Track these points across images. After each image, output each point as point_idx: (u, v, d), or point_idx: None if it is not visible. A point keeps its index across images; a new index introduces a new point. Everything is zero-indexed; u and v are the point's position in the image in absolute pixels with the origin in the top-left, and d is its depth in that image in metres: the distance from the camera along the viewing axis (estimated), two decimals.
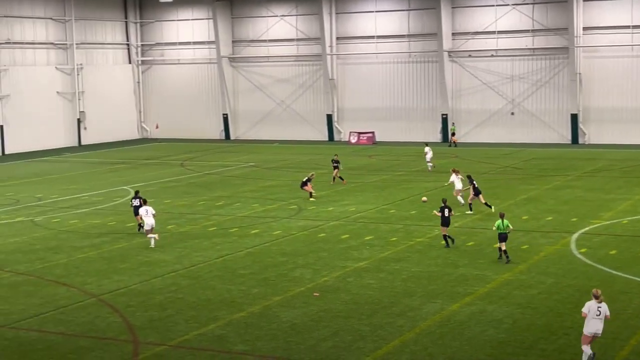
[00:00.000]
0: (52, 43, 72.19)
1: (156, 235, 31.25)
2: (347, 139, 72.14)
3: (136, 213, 33.16)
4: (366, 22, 71.99)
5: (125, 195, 43.66)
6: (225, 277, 26.23)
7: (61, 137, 72.63)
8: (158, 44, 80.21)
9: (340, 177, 46.09)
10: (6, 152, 67.39)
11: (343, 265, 27.41)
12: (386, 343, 19.71)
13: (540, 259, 27.84)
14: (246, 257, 29.09)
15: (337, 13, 72.65)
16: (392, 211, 37.45)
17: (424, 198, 36.53)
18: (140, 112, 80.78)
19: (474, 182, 36.74)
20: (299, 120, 74.80)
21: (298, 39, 74.57)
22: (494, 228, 27.96)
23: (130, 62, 80.00)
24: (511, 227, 27.90)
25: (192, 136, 77.27)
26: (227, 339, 20.23)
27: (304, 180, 41.64)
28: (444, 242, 29.95)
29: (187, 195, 43.47)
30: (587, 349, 17.73)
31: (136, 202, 33.40)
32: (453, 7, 68.68)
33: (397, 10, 70.85)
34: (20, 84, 69.11)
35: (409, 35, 70.60)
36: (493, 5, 67.63)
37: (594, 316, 17.61)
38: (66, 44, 73.14)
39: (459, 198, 38.29)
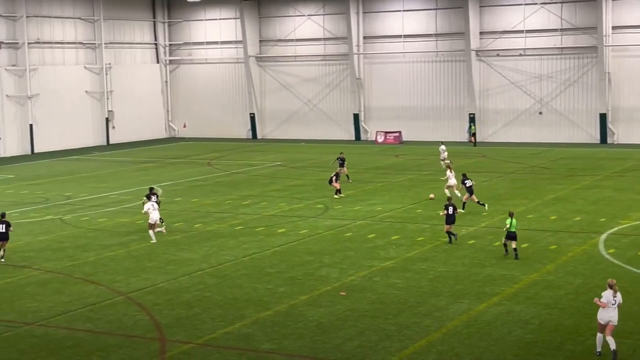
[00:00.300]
0: (81, 43, 72.73)
1: (163, 229, 32.16)
2: (373, 139, 72.06)
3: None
4: (393, 22, 71.86)
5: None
6: (252, 276, 26.31)
7: (90, 136, 73.17)
8: (186, 43, 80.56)
9: (347, 176, 46.20)
10: (36, 150, 67.97)
11: (369, 265, 27.40)
12: (413, 343, 19.69)
13: (568, 259, 27.68)
14: (273, 256, 29.17)
15: (364, 12, 72.57)
16: (418, 211, 37.37)
17: (431, 195, 36.66)
18: (167, 111, 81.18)
19: (466, 181, 36.82)
20: (325, 119, 74.82)
21: (325, 39, 74.59)
22: (505, 228, 28.08)
23: (158, 62, 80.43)
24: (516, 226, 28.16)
25: (219, 135, 77.54)
26: (254, 338, 20.29)
27: (332, 176, 41.79)
28: (447, 238, 30.53)
29: (214, 194, 43.63)
30: (609, 339, 18.22)
31: (153, 199, 33.49)
32: (481, 6, 68.39)
33: (425, 10, 70.66)
34: (50, 83, 69.70)
35: (436, 35, 70.39)
36: (521, 4, 67.25)
37: (610, 305, 18.44)
38: (95, 43, 73.66)
39: (447, 192, 38.48)
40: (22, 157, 65.11)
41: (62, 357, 19.25)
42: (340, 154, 47.94)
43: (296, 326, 21.09)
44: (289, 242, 31.30)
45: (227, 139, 75.78)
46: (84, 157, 64.35)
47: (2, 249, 29.23)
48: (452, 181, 38.93)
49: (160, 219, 32.76)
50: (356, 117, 73.27)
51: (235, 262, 28.27)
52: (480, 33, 68.61)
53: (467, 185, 36.80)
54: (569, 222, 34.07)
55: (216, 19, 78.83)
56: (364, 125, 73.40)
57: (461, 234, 31.95)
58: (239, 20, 76.42)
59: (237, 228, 34.29)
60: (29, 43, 67.51)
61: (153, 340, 20.41)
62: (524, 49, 67.42)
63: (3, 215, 30.03)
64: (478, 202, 36.58)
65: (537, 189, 43.11)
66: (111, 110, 74.70)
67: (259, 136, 77.08)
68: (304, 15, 75.03)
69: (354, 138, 73.44)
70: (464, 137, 69.39)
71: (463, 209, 36.16)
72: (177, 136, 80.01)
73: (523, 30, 67.30)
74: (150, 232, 32.04)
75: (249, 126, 77.69)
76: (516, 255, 27.83)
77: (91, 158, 63.63)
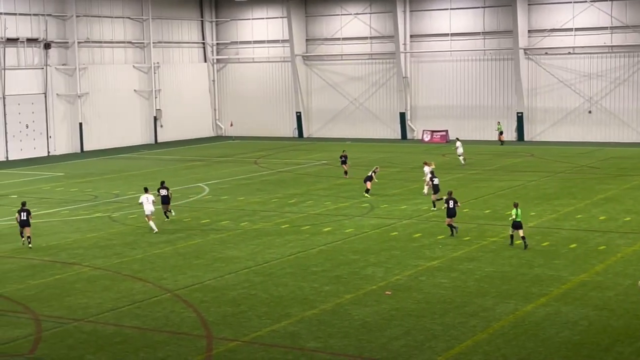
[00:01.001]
0: (129, 42, 73.49)
1: (153, 225, 33.80)
2: (420, 137, 71.77)
3: (164, 202, 36.24)
4: (440, 20, 71.49)
5: (200, 192, 44.24)
6: (298, 274, 26.37)
7: (138, 135, 73.91)
8: (233, 42, 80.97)
9: (345, 172, 47.55)
10: (85, 149, 68.84)
11: (415, 264, 27.31)
12: (459, 343, 19.58)
13: (617, 260, 27.32)
14: (318, 254, 29.20)
15: (411, 11, 72.29)
16: (465, 210, 37.08)
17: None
18: (214, 110, 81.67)
19: (434, 179, 38.17)
20: (371, 118, 74.70)
21: (372, 37, 74.47)
22: (511, 218, 29.46)
23: (205, 61, 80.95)
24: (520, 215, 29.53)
25: (266, 134, 77.81)
26: (300, 336, 20.34)
27: (369, 174, 41.74)
28: (449, 232, 31.60)
29: (260, 192, 43.81)
30: None
31: (163, 192, 36.37)
32: (529, 4, 67.73)
33: (472, 8, 70.18)
34: (99, 82, 70.54)
35: (483, 33, 69.88)
36: (570, 2, 66.48)
37: None
38: (143, 42, 74.37)
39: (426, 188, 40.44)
40: (71, 155, 65.97)
41: (110, 353, 19.47)
42: (343, 151, 49.51)
43: (342, 325, 21.10)
44: (334, 241, 31.31)
45: (273, 138, 76.03)
46: (132, 155, 65.01)
47: (26, 235, 31.50)
48: (436, 180, 39.63)
49: (165, 212, 35.99)
50: (402, 115, 73.02)
51: (280, 261, 28.36)
52: (529, 31, 67.94)
53: (434, 182, 38.17)
54: (618, 223, 33.63)
55: (263, 18, 79.11)
56: (410, 124, 73.14)
57: (508, 233, 31.67)
58: (285, 19, 76.61)
59: (283, 226, 34.39)
60: (78, 42, 68.37)
61: (200, 337, 20.55)
62: (573, 47, 66.61)
63: (24, 204, 32.36)
64: (436, 200, 37.50)
65: (586, 188, 42.60)
66: (159, 109, 75.38)
67: (305, 135, 77.20)
68: (350, 14, 74.97)
69: (400, 137, 73.20)
70: (512, 136, 68.82)
71: (434, 206, 37.38)
72: (223, 135, 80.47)
73: (572, 29, 66.51)
74: (150, 223, 33.81)
75: (295, 125, 77.85)
76: (525, 244, 28.85)
77: (139, 156, 64.26)
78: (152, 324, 21.62)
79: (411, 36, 72.54)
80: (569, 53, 66.91)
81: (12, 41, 63.85)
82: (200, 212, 38.32)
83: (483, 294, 23.59)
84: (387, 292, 23.93)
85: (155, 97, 75.06)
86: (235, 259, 28.79)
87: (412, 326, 20.88)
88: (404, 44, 72.22)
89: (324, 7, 76.32)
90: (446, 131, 70.41)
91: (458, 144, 54.22)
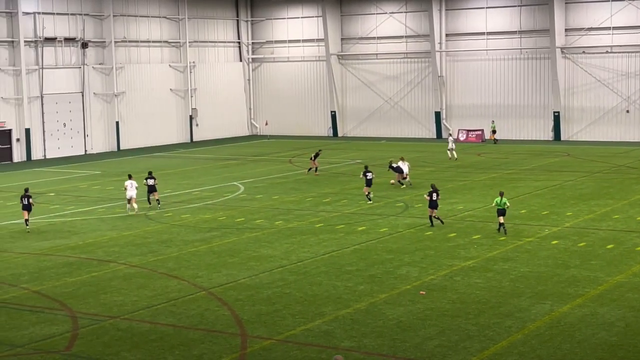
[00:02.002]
0: (166, 41, 73.96)
1: (135, 205, 37.64)
2: (455, 137, 71.45)
3: (150, 191, 39.53)
4: (476, 19, 71.12)
5: (235, 191, 44.41)
6: (332, 273, 26.37)
7: (174, 134, 74.39)
8: (268, 41, 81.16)
9: (313, 169, 49.91)
10: (121, 147, 69.42)
11: (450, 264, 27.20)
12: (494, 343, 19.47)
13: None
14: (352, 253, 29.18)
15: (446, 9, 72.00)
16: None
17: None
18: (250, 109, 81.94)
19: (367, 174, 39.94)
20: (406, 117, 74.51)
21: (407, 36, 74.26)
22: (493, 204, 32.31)
23: (241, 60, 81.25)
24: (508, 204, 32.19)
25: (300, 133, 77.92)
26: (334, 335, 20.34)
27: (394, 165, 44.07)
28: (429, 222, 33.35)
29: (295, 191, 43.87)
30: None
31: (151, 182, 39.50)
32: (566, 3, 67.14)
33: (509, 6, 69.72)
34: (135, 81, 71.10)
35: (520, 32, 69.39)
36: (608, 1, 65.80)
37: None
38: (179, 42, 74.81)
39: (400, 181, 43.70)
40: (108, 154, 66.55)
41: (145, 351, 19.60)
42: (319, 150, 51.77)
43: (376, 324, 21.07)
44: (368, 240, 31.27)
45: (308, 137, 76.10)
46: (168, 154, 65.41)
47: (156, 199, 38.68)
48: (406, 170, 44.01)
49: (157, 200, 39.44)
50: (437, 115, 72.76)
51: (315, 260, 28.38)
52: (566, 30, 67.35)
53: (368, 177, 39.88)
54: None
55: (298, 17, 79.22)
56: (445, 123, 72.85)
57: (544, 234, 31.50)
58: (321, 19, 76.66)
59: (317, 225, 34.41)
60: (115, 42, 68.95)
61: (234, 335, 20.63)
62: (611, 47, 65.93)
63: (27, 190, 35.80)
64: (367, 194, 39.83)
65: (623, 189, 42.14)
66: (195, 108, 75.79)
67: (339, 134, 77.18)
68: (385, 13, 74.83)
69: (435, 136, 72.94)
70: (548, 135, 68.32)
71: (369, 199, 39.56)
72: (258, 134, 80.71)
73: (610, 27, 65.83)
74: (127, 205, 38.01)
75: (329, 124, 77.87)
76: (505, 230, 31.51)
77: (175, 155, 64.64)
78: (187, 321, 21.74)
79: (447, 35, 72.24)
80: (607, 52, 66.23)
81: (50, 41, 64.55)
82: (235, 210, 38.47)
83: (518, 295, 23.43)
84: (421, 292, 23.85)
85: (191, 96, 75.48)
86: (270, 257, 28.86)
87: (447, 326, 20.80)
88: (440, 43, 71.93)
89: (359, 6, 76.24)
90: (482, 130, 70.02)
91: (450, 138, 57.21)
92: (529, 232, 31.97)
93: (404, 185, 44.04)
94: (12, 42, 62.48)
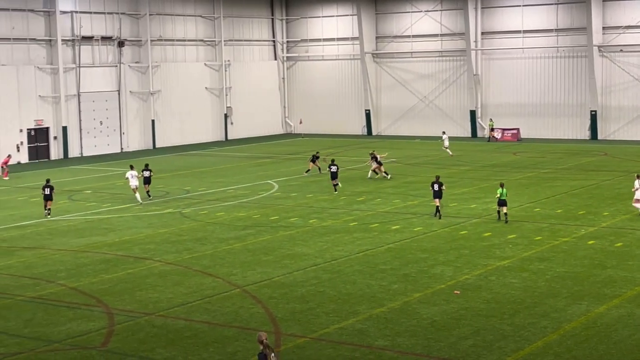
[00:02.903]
0: (201, 40, 74.33)
1: (138, 195, 40.10)
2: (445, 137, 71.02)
3: (146, 182, 41.42)
4: (512, 17, 70.65)
5: (270, 189, 44.53)
6: (366, 272, 26.35)
7: (209, 132, 74.76)
8: (303, 40, 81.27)
9: (311, 170, 49.90)
10: (157, 145, 69.89)
11: (485, 264, 27.06)
12: (529, 344, 19.34)
13: None
14: (386, 252, 29.14)
15: (482, 7, 71.62)
16: (536, 209, 36.66)
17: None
18: (284, 107, 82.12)
19: (332, 167, 42.46)
20: (441, 116, 74.22)
21: (442, 35, 73.99)
22: (497, 196, 33.93)
23: (275, 59, 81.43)
24: (506, 194, 34.10)
25: (335, 131, 77.93)
26: (368, 334, 20.32)
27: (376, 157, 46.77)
28: (434, 212, 35.11)
29: (329, 189, 43.84)
30: None
31: (147, 174, 41.55)
32: (604, 1, 66.48)
33: (545, 4, 69.19)
34: (171, 80, 71.55)
35: (557, 30, 68.84)
36: None
37: None
38: (215, 40, 75.16)
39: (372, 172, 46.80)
40: (144, 152, 67.04)
41: (180, 348, 19.72)
42: (317, 152, 51.97)
43: (410, 323, 21.02)
44: (402, 239, 31.21)
45: (343, 135, 76.10)
46: (203, 152, 65.72)
47: (48, 208, 37.52)
48: (374, 165, 46.89)
49: (147, 191, 41.32)
50: (473, 113, 72.41)
51: (349, 258, 28.37)
52: (603, 28, 66.70)
53: (332, 170, 42.47)
54: None
55: (333, 16, 79.25)
56: (480, 122, 72.47)
57: (580, 233, 31.24)
58: (355, 17, 76.62)
59: (352, 224, 34.40)
60: (151, 40, 69.44)
61: (268, 333, 20.66)
62: None
63: (48, 180, 38.44)
64: (335, 184, 42.61)
65: None
66: (230, 107, 76.12)
67: (374, 132, 77.10)
68: (420, 11, 74.61)
69: (470, 135, 72.60)
70: (585, 134, 67.73)
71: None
72: (293, 132, 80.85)
73: None
74: (136, 195, 40.13)
75: (364, 122, 77.81)
76: (506, 219, 33.45)
77: (210, 153, 64.94)
78: (222, 319, 21.84)
79: (482, 33, 71.86)
80: None
81: (87, 39, 65.16)
82: (270, 208, 38.58)
83: (554, 295, 23.25)
84: (456, 292, 23.76)
85: (226, 95, 75.80)
86: (304, 255, 28.90)
87: (481, 326, 20.70)
88: (475, 41, 71.57)
89: (394, 4, 76.09)
90: (518, 129, 69.56)
91: (444, 137, 58.72)
92: (565, 232, 31.72)
93: (378, 176, 47.05)
94: (50, 40, 63.16)
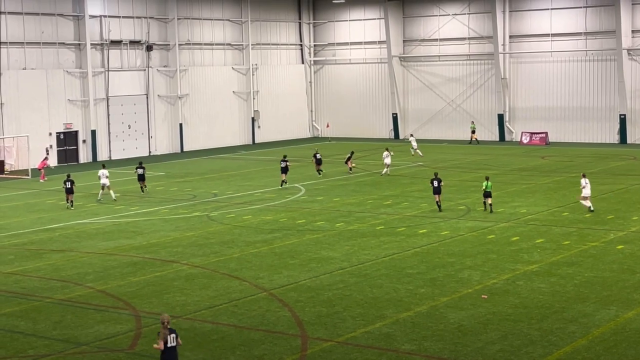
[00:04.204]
0: (229, 44, 74.59)
1: (112, 192, 43.08)
2: (518, 139, 70.71)
3: (139, 179, 45.00)
4: (541, 20, 70.27)
5: (296, 193, 44.57)
6: (393, 276, 26.30)
7: (236, 135, 74.98)
8: (330, 44, 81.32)
9: (319, 171, 51.53)
10: (185, 149, 70.20)
11: (513, 268, 26.91)
12: (557, 349, 19.20)
13: None
14: (413, 256, 29.06)
15: (510, 11, 71.30)
16: (565, 214, 36.43)
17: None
18: (311, 111, 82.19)
19: (282, 162, 46.67)
20: (468, 119, 73.89)
21: (470, 38, 73.74)
22: (482, 188, 36.91)
23: (303, 62, 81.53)
24: (491, 186, 37.05)
25: (362, 135, 77.88)
26: (394, 338, 20.27)
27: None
28: (437, 208, 37.47)
29: (355, 193, 43.84)
30: None
31: (140, 171, 44.93)
32: (633, 4, 65.96)
33: (574, 8, 68.76)
34: (199, 83, 71.87)
35: (585, 33, 68.38)
36: None
37: None
38: (242, 44, 75.40)
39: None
40: (172, 155, 67.36)
41: (207, 350, 19.78)
42: (317, 150, 54.81)
43: (437, 328, 20.95)
44: (429, 243, 31.12)
45: (370, 139, 76.03)
46: (231, 155, 65.91)
47: (70, 200, 41.21)
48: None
49: (142, 187, 44.95)
50: (501, 117, 72.08)
51: (375, 262, 28.33)
52: (632, 31, 66.16)
53: (282, 165, 46.11)
54: None
55: (360, 20, 79.23)
56: (508, 125, 72.13)
57: (609, 238, 30.99)
58: (383, 21, 76.56)
59: (378, 228, 34.35)
60: (179, 44, 69.79)
61: (295, 336, 20.70)
62: None
63: (69, 175, 42.11)
64: (282, 182, 46.35)
65: None
66: (257, 110, 76.30)
67: (401, 136, 76.96)
68: (448, 15, 74.41)
69: (498, 139, 72.28)
70: (614, 138, 67.20)
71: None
72: (320, 136, 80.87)
73: None
74: (100, 191, 42.85)
75: (391, 126, 77.70)
76: (491, 209, 36.53)
77: (237, 156, 65.13)
78: (248, 322, 21.88)
79: (510, 36, 71.54)
80: None
81: (116, 43, 65.62)
82: (296, 212, 38.61)
83: (583, 300, 23.08)
84: (483, 296, 23.65)
85: (253, 98, 76.00)
86: (331, 259, 28.90)
87: (509, 331, 20.58)
88: (503, 45, 71.27)
89: (421, 7, 75.95)
90: (546, 133, 69.17)
91: (411, 138, 61.83)
92: (594, 237, 31.48)
93: (351, 173, 51.59)
94: (79, 45, 63.67)
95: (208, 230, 34.94)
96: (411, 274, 26.53)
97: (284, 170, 46.66)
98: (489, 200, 36.77)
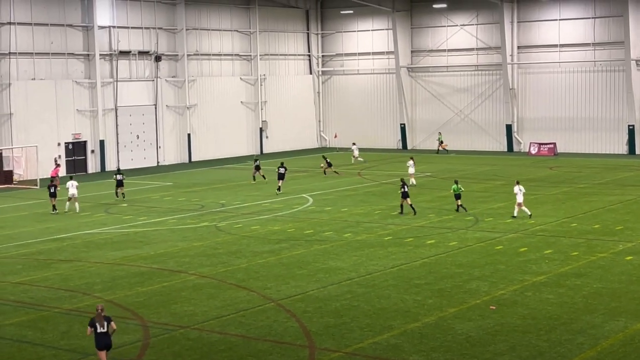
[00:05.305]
0: (237, 54, 74.76)
1: (77, 205, 42.98)
2: (526, 150, 70.61)
3: (118, 185, 47.20)
4: (549, 31, 70.26)
5: (304, 203, 44.57)
6: (400, 287, 26.25)
7: (244, 145, 75.06)
8: (338, 54, 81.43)
9: (263, 176, 53.60)
10: (193, 159, 70.30)
11: (521, 279, 26.84)
12: None
13: None
14: (421, 267, 29.01)
15: (518, 22, 71.31)
16: (573, 224, 36.34)
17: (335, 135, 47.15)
18: (319, 121, 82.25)
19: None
20: (476, 130, 73.92)
21: (478, 49, 73.76)
22: (451, 191, 40.39)
23: (311, 73, 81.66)
24: (462, 189, 40.37)
25: (369, 145, 77.83)
26: (402, 349, 20.23)
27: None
28: (399, 210, 39.97)
29: (363, 204, 43.83)
30: None
31: (119, 177, 47.08)
32: None
33: (582, 18, 68.74)
34: (207, 94, 72.03)
35: (594, 44, 68.33)
36: None
37: None
38: (250, 55, 75.55)
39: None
40: (180, 165, 67.47)
41: None
42: (256, 159, 55.82)
43: (445, 339, 20.89)
44: (437, 254, 31.07)
45: (377, 149, 76.03)
46: (239, 165, 65.97)
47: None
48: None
49: (123, 193, 47.10)
50: (509, 128, 72.03)
51: (383, 272, 28.29)
52: None
53: (280, 172, 48.86)
54: None
55: (368, 30, 79.32)
56: (516, 136, 72.06)
57: (618, 249, 30.91)
58: (391, 31, 76.64)
59: (386, 238, 34.32)
60: (188, 55, 69.97)
61: (302, 347, 20.67)
62: None
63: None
64: (278, 188, 48.30)
65: None
66: (265, 120, 76.40)
67: (409, 146, 76.95)
68: (456, 25, 74.47)
69: (506, 149, 72.21)
70: (622, 149, 67.06)
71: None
72: (328, 146, 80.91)
73: None
74: (75, 204, 42.94)
75: (399, 136, 77.71)
76: (465, 209, 39.53)
77: (245, 167, 65.14)
78: (256, 332, 21.86)
79: (519, 47, 71.52)
80: None
81: (125, 54, 65.82)
82: (304, 222, 38.61)
83: (591, 311, 23.00)
84: (491, 307, 23.58)
85: (261, 109, 76.12)
86: (338, 269, 28.87)
87: (517, 342, 20.51)
88: (511, 55, 71.25)
89: (429, 18, 76.03)
90: (554, 144, 69.08)
91: (354, 147, 65.30)
92: (602, 248, 31.39)
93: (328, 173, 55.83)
94: (88, 55, 63.89)
95: (216, 240, 34.96)
96: (419, 284, 26.48)
97: (281, 176, 48.90)
98: (459, 202, 39.72)
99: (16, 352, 20.74)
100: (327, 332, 21.69)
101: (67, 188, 43.33)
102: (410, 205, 39.62)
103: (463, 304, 24.07)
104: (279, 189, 48.40)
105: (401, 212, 39.87)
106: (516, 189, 38.20)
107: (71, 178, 45.08)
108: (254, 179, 53.99)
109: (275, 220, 39.62)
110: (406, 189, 39.69)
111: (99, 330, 18.37)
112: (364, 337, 21.25)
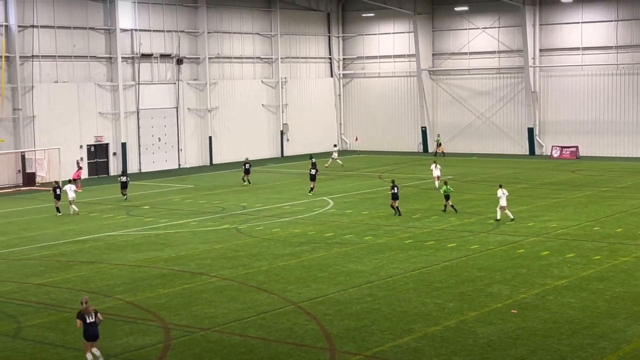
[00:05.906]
0: (258, 57, 74.91)
1: (76, 208, 43.61)
2: (548, 153, 70.28)
3: (123, 187, 48.42)
4: (571, 34, 69.90)
5: (325, 206, 44.57)
6: (421, 290, 26.19)
7: (265, 148, 75.18)
8: (359, 57, 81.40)
9: (248, 180, 54.92)
10: (214, 162, 70.49)
11: (542, 283, 26.70)
12: None
13: None
14: (442, 270, 28.93)
15: (540, 24, 70.99)
16: (595, 228, 36.12)
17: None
18: (340, 124, 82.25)
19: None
20: (498, 133, 73.65)
21: (500, 51, 73.51)
22: (441, 191, 41.25)
23: (332, 76, 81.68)
24: (452, 189, 41.18)
25: (390, 149, 77.80)
26: (423, 352, 20.17)
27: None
28: (393, 211, 40.63)
29: (384, 207, 43.74)
30: None
31: (123, 179, 48.49)
32: None
33: (605, 21, 68.33)
34: (228, 96, 72.20)
35: (616, 47, 67.91)
36: None
37: None
38: (271, 58, 75.68)
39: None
40: (201, 168, 67.68)
41: None
42: (247, 163, 56.00)
43: (466, 342, 20.82)
44: (458, 257, 30.97)
45: (398, 152, 75.91)
46: (259, 168, 66.03)
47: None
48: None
49: (125, 195, 48.20)
50: (531, 131, 71.70)
51: (404, 276, 28.24)
52: None
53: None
54: None
55: (390, 33, 79.26)
56: (538, 139, 71.73)
57: (639, 254, 30.72)
58: (412, 34, 76.52)
59: (407, 241, 34.25)
60: (209, 58, 70.19)
61: (323, 350, 20.66)
62: None
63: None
64: (311, 189, 48.94)
65: None
66: (286, 123, 76.49)
67: (430, 150, 76.77)
68: (478, 28, 74.24)
69: (527, 153, 71.88)
70: None
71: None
72: (349, 149, 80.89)
73: None
74: (72, 206, 43.54)
75: (420, 139, 77.56)
76: (455, 209, 40.44)
77: (266, 169, 65.28)
78: (277, 335, 21.88)
79: (540, 50, 71.21)
80: None
81: (146, 57, 66.11)
82: (325, 225, 38.60)
83: (613, 315, 22.84)
84: (513, 311, 23.48)
85: (282, 112, 76.22)
86: (359, 272, 28.84)
87: (539, 346, 20.41)
88: (533, 58, 70.95)
89: (451, 21, 75.84)
90: (576, 147, 68.70)
91: (334, 149, 66.73)
92: (625, 252, 31.17)
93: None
94: (110, 58, 64.24)
95: (236, 242, 35.02)
96: (440, 287, 26.41)
97: (312, 178, 49.73)
98: (450, 202, 40.71)
99: (38, 353, 20.86)
100: (347, 335, 21.67)
101: (66, 192, 44.29)
102: (397, 207, 40.74)
103: (484, 307, 23.98)
104: (311, 189, 49.23)
105: (397, 214, 40.62)
106: (499, 192, 38.30)
107: (69, 182, 46.44)
108: (244, 181, 54.99)
109: (296, 223, 39.64)
110: (396, 191, 40.64)
111: (88, 321, 19.34)
112: (385, 340, 21.21)
